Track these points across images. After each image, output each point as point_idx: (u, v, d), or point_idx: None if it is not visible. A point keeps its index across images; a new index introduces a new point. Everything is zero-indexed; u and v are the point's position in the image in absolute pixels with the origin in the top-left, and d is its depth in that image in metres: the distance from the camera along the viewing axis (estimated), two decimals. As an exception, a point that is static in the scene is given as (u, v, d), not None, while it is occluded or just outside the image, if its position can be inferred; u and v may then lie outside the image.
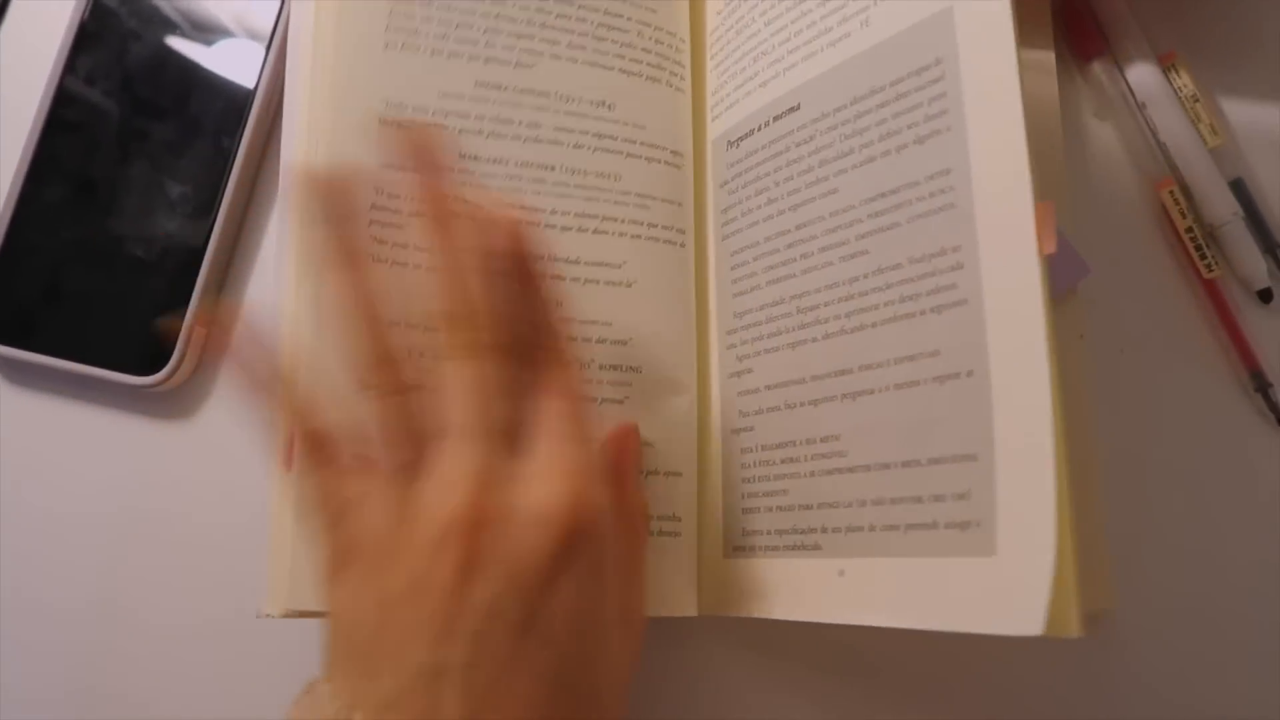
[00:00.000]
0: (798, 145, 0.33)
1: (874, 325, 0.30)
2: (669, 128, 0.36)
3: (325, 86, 0.33)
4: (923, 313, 0.29)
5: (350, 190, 0.29)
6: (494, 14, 0.34)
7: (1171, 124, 0.37)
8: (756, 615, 0.32)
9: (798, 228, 0.33)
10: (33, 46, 0.40)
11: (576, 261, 0.34)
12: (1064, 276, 0.36)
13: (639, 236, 0.35)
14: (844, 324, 0.31)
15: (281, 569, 0.31)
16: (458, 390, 0.27)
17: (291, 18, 0.35)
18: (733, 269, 0.35)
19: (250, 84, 0.39)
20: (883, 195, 0.30)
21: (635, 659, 0.29)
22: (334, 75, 0.33)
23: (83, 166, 0.39)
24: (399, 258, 0.32)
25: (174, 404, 0.39)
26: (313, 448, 0.28)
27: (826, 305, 0.32)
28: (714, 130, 0.36)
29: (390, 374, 0.28)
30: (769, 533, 0.32)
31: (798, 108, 0.33)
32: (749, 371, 0.34)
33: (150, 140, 0.39)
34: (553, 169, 0.34)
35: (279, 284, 0.33)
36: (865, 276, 0.31)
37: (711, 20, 0.37)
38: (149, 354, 0.37)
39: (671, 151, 0.36)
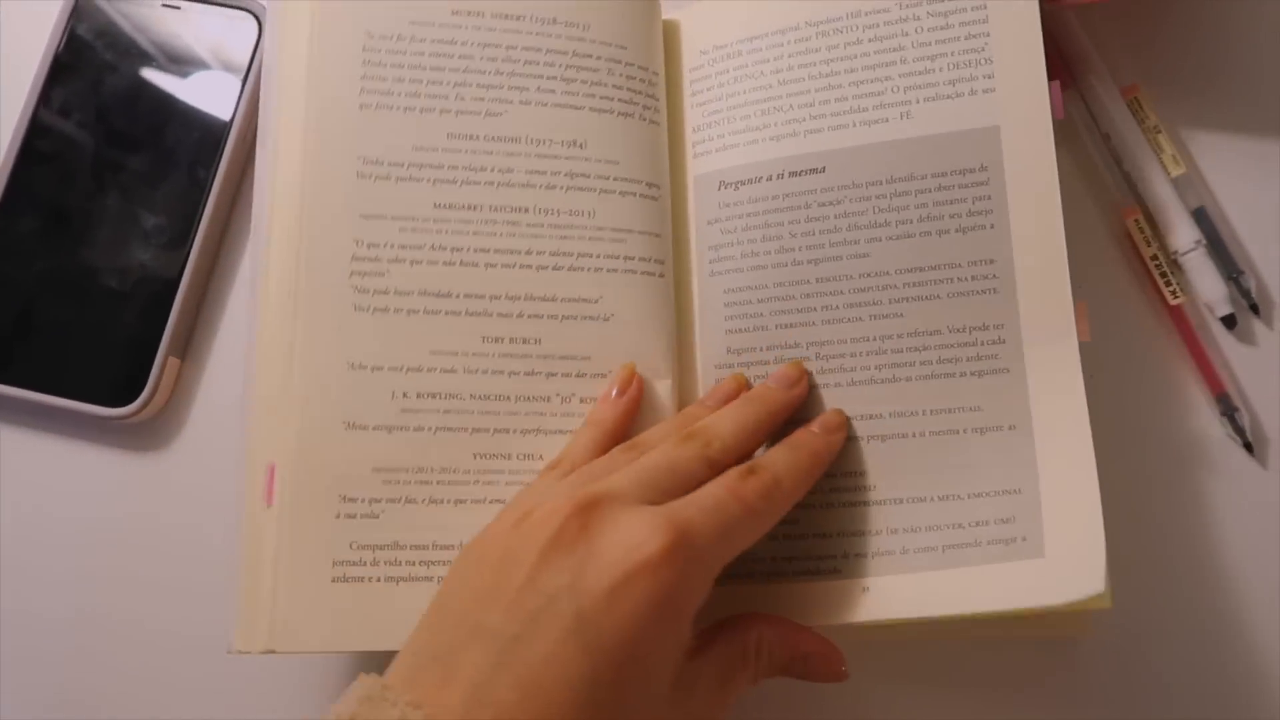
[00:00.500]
0: (821, 205, 0.34)
1: (909, 379, 0.33)
2: (644, 161, 0.36)
3: (303, 146, 0.34)
4: (963, 374, 0.32)
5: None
6: (462, 68, 0.36)
7: (1135, 154, 0.38)
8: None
9: (818, 280, 0.34)
10: (7, 78, 0.40)
11: (553, 299, 0.34)
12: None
13: (615, 270, 0.35)
14: (873, 375, 0.33)
15: (260, 606, 0.31)
16: (652, 457, 0.30)
17: (264, 76, 0.35)
18: (726, 305, 0.35)
19: (226, 115, 0.39)
20: (920, 269, 0.33)
21: None
22: (310, 134, 0.34)
23: (56, 198, 0.39)
24: (380, 304, 0.33)
25: (147, 436, 0.38)
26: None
27: (853, 356, 0.33)
28: (699, 166, 0.37)
29: (638, 450, 0.31)
30: (772, 559, 0.33)
31: (823, 170, 0.35)
32: None
33: (125, 171, 0.39)
34: (526, 211, 0.35)
35: (251, 317, 0.33)
36: (899, 336, 0.33)
37: (692, 58, 0.38)
38: (122, 385, 0.37)
39: (647, 184, 0.36)
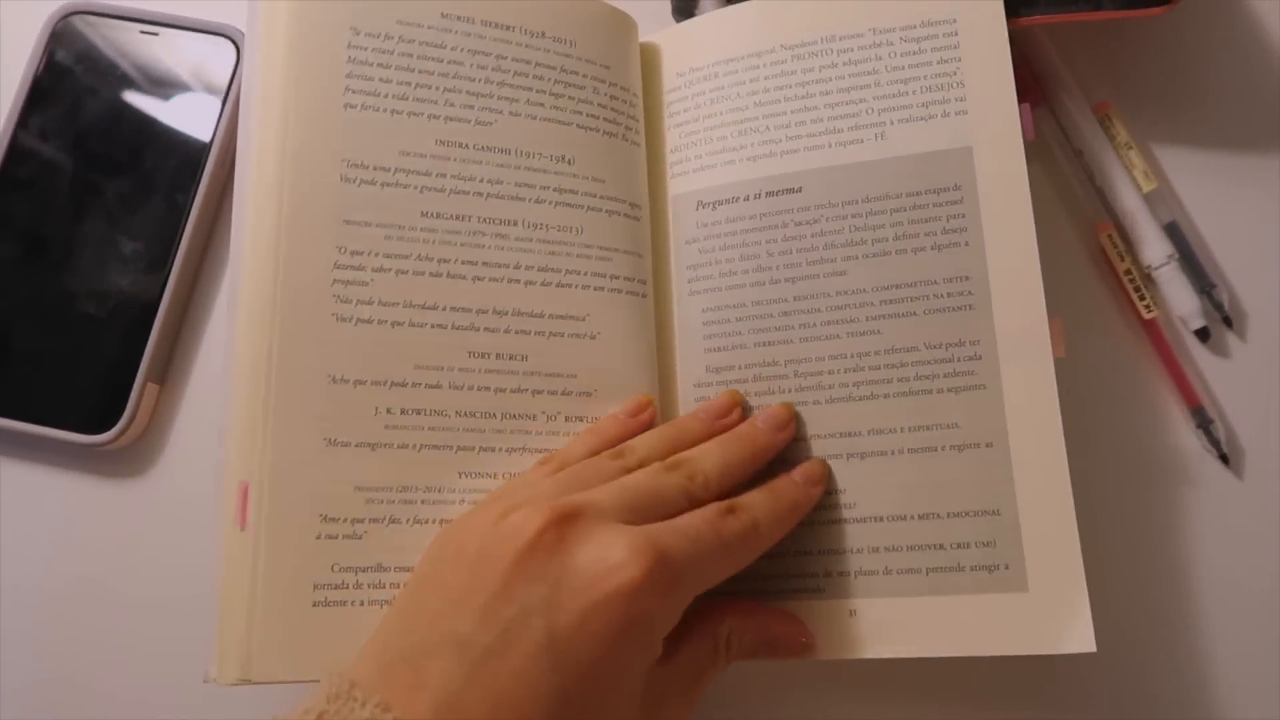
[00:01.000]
0: (798, 224, 0.35)
1: (886, 396, 0.33)
2: (627, 181, 0.37)
3: (283, 146, 0.33)
4: (940, 391, 0.32)
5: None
6: (452, 74, 0.35)
7: (1107, 170, 0.39)
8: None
9: (796, 299, 0.34)
10: (-15, 104, 0.40)
11: (541, 315, 0.34)
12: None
13: (602, 289, 0.35)
14: (851, 392, 0.33)
15: (235, 635, 0.30)
16: (635, 479, 0.30)
17: (244, 77, 0.35)
18: (705, 324, 0.35)
19: (205, 140, 0.39)
20: (897, 287, 0.33)
21: None
22: (292, 135, 0.33)
23: (35, 224, 0.39)
24: (363, 315, 0.33)
25: (126, 462, 0.38)
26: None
27: (831, 374, 0.34)
28: (677, 186, 0.37)
29: (624, 459, 0.31)
30: (754, 578, 0.33)
31: (799, 190, 0.35)
32: None
33: (104, 196, 0.39)
34: (515, 224, 0.35)
35: (229, 339, 0.33)
36: (877, 353, 0.33)
37: (670, 79, 0.38)
38: (100, 412, 0.37)
39: (630, 204, 0.36)
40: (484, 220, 0.34)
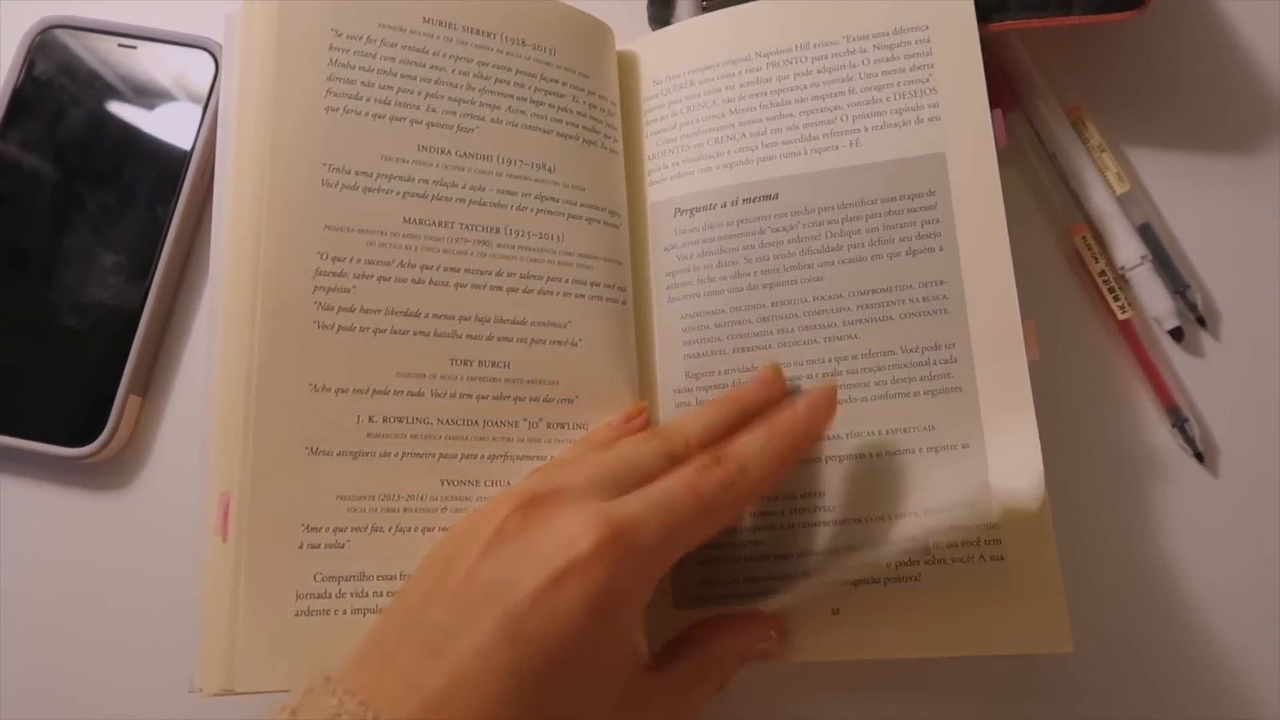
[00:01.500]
0: (775, 231, 0.35)
1: (864, 400, 0.33)
2: (606, 189, 0.37)
3: (263, 149, 0.33)
4: (916, 394, 0.33)
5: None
6: (434, 79, 0.35)
7: (1081, 173, 0.39)
8: None
9: (774, 304, 0.35)
10: (-37, 118, 0.40)
11: (523, 322, 0.34)
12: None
13: (583, 296, 0.35)
14: None
15: (218, 645, 0.30)
16: (613, 454, 0.30)
17: (224, 79, 0.34)
18: (685, 331, 0.36)
19: (185, 150, 0.40)
20: (873, 291, 0.34)
21: None
22: (272, 137, 0.33)
23: (15, 237, 0.39)
24: (345, 322, 0.32)
25: (108, 475, 0.38)
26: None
27: (809, 378, 0.34)
28: (655, 194, 0.37)
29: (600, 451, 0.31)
30: (733, 581, 0.33)
31: (775, 196, 0.35)
32: None
33: (84, 209, 0.39)
34: (497, 231, 0.35)
35: (210, 349, 0.33)
36: (854, 357, 0.34)
37: (648, 88, 0.38)
38: (82, 425, 0.37)
39: (610, 212, 0.37)
40: (466, 227, 0.34)
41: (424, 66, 0.35)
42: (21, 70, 0.40)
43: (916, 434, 0.33)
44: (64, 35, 0.41)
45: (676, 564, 0.34)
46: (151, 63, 0.41)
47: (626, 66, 0.39)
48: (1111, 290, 0.38)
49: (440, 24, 0.35)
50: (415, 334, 0.33)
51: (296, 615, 0.30)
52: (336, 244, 0.33)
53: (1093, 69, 0.41)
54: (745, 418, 0.31)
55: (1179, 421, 0.37)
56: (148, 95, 0.40)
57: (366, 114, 0.34)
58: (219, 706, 0.35)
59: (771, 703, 0.36)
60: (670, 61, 0.38)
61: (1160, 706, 0.35)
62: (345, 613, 0.31)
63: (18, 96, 0.40)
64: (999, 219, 0.33)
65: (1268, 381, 0.38)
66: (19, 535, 0.38)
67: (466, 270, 0.34)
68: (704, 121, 0.37)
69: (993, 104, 0.40)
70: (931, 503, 0.32)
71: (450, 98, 0.35)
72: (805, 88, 0.36)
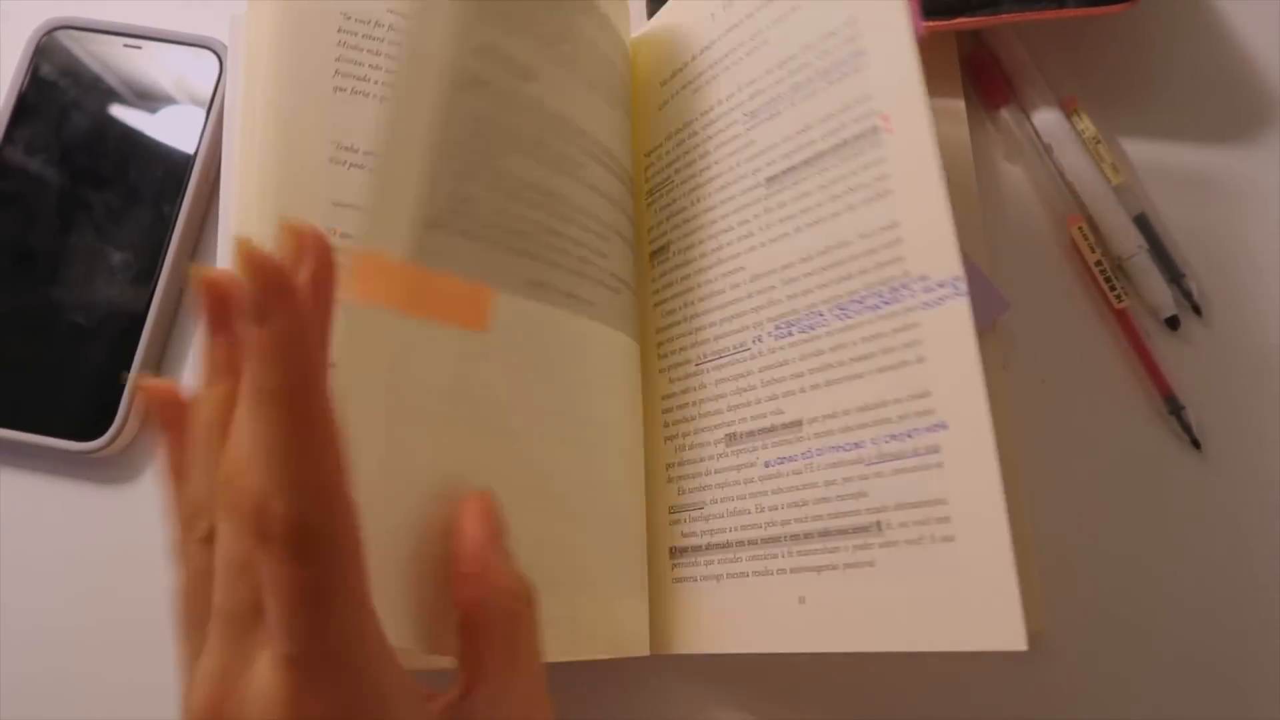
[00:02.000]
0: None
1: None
2: (619, 259, 0.36)
3: (272, 126, 0.33)
4: (872, 372, 0.30)
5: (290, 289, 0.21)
6: None
7: (1077, 164, 0.39)
8: (712, 651, 0.32)
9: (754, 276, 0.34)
10: (-30, 120, 0.41)
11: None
12: (986, 312, 0.37)
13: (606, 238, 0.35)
14: (803, 382, 0.32)
15: None
16: (219, 566, 0.21)
17: (231, 61, 0.35)
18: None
19: (190, 150, 0.40)
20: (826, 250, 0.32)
21: None
22: (281, 114, 0.33)
23: (22, 236, 0.39)
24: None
25: (116, 469, 0.39)
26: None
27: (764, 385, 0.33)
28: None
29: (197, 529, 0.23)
30: (732, 558, 0.33)
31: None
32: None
33: (90, 208, 0.40)
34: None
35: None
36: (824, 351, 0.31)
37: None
38: (91, 420, 0.37)
39: (616, 278, 0.36)
40: None
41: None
42: (27, 73, 0.41)
43: (874, 409, 0.30)
44: (68, 37, 0.41)
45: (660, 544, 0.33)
46: (155, 62, 0.41)
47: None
48: (1107, 280, 0.38)
49: None
50: None
51: None
52: (344, 222, 0.33)
53: (1087, 62, 0.41)
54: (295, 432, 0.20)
55: (1176, 409, 0.37)
56: (152, 94, 0.41)
57: (374, 96, 0.34)
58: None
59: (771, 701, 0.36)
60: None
61: (1154, 693, 0.35)
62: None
63: (24, 96, 0.40)
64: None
65: (1262, 370, 0.38)
66: (27, 529, 0.38)
67: None
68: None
69: (990, 98, 0.41)
70: (888, 490, 0.29)
71: None
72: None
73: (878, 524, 0.29)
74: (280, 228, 0.22)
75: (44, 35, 0.41)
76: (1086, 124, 0.40)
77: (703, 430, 0.34)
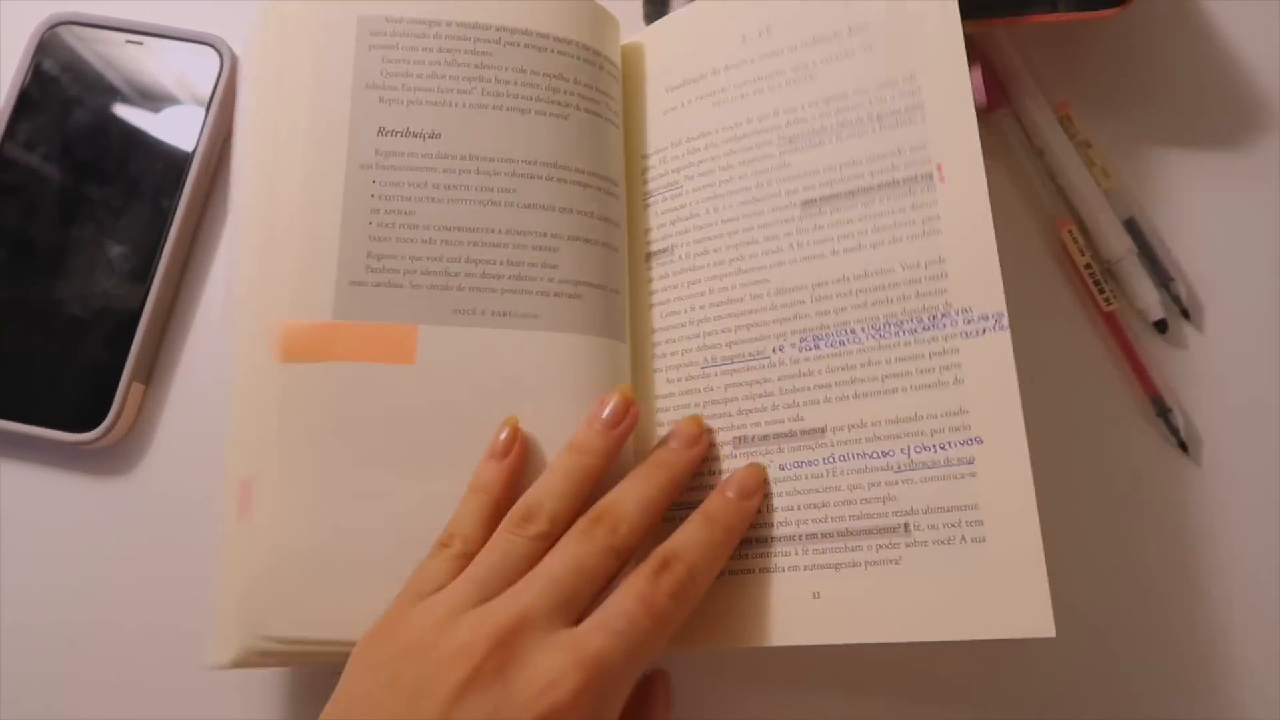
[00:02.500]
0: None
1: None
2: (613, 273, 0.37)
3: (307, 133, 0.35)
4: (906, 389, 0.33)
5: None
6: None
7: (1067, 168, 0.40)
8: (716, 646, 0.33)
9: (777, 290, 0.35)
10: (-28, 114, 0.41)
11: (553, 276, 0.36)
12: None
13: (592, 243, 0.36)
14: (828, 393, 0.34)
15: (229, 616, 0.32)
16: (559, 562, 0.29)
17: (248, 62, 0.36)
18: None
19: (189, 145, 0.40)
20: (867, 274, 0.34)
21: None
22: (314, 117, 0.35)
23: (21, 228, 0.40)
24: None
25: (112, 460, 0.39)
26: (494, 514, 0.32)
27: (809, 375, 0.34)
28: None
29: (533, 525, 0.31)
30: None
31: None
32: None
33: (90, 202, 0.40)
34: (492, 232, 0.36)
35: (227, 348, 0.35)
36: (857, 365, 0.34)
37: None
38: (86, 411, 0.38)
39: (612, 289, 0.37)
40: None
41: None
42: (29, 68, 0.41)
43: (906, 423, 0.33)
44: (70, 33, 0.42)
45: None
46: (157, 59, 0.42)
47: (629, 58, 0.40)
48: (1097, 282, 0.39)
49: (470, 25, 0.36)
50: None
51: (312, 580, 0.32)
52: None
53: (1079, 65, 0.41)
54: (675, 486, 0.33)
55: (1163, 412, 0.38)
56: (154, 90, 0.41)
57: (403, 101, 0.35)
58: (219, 690, 0.36)
59: (767, 698, 0.36)
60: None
61: (1141, 696, 0.36)
62: (362, 574, 0.32)
63: (26, 91, 0.41)
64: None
65: (1250, 373, 0.38)
66: (23, 518, 0.38)
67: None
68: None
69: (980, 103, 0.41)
70: (917, 492, 0.32)
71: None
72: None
73: (905, 525, 0.32)
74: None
75: (46, 31, 0.41)
76: (1078, 128, 0.40)
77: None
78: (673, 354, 0.36)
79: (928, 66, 0.34)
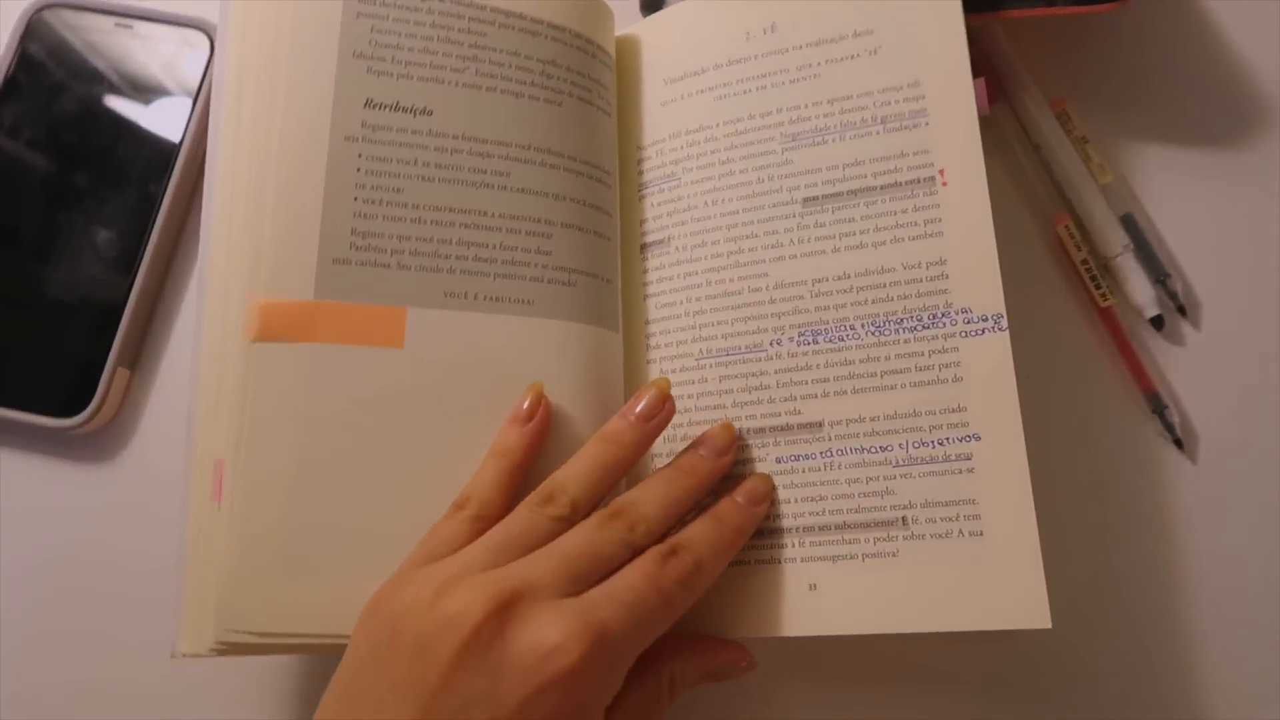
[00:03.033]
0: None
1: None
2: (607, 258, 0.37)
3: (283, 107, 0.33)
4: (905, 386, 0.33)
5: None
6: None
7: (1064, 164, 0.40)
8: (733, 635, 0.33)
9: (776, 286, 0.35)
10: (-43, 96, 0.40)
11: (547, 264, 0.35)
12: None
13: (584, 231, 0.36)
14: (827, 388, 0.34)
15: (203, 604, 0.31)
16: (573, 542, 0.29)
17: (222, 41, 0.34)
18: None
19: (177, 131, 0.40)
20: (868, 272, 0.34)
21: None
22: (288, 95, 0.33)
23: (7, 213, 0.39)
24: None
25: (96, 446, 0.38)
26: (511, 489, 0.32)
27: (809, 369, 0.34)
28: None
29: (553, 507, 0.30)
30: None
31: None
32: None
33: (77, 187, 0.39)
34: (487, 214, 0.35)
35: (196, 340, 0.33)
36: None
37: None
38: (71, 396, 0.37)
39: (605, 278, 0.37)
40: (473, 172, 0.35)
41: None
42: (15, 52, 0.40)
43: (905, 418, 0.33)
44: (58, 16, 0.41)
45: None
46: (146, 42, 0.41)
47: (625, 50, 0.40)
48: (1093, 278, 0.38)
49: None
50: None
51: (292, 563, 0.31)
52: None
53: (1076, 61, 0.41)
54: (699, 492, 0.32)
55: (1158, 408, 0.37)
56: (142, 76, 0.41)
57: (392, 74, 0.34)
58: (197, 674, 0.35)
59: (763, 696, 0.36)
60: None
61: (1135, 687, 0.35)
62: (342, 566, 0.31)
63: (12, 78, 0.40)
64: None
65: (1246, 370, 0.38)
66: (6, 503, 0.38)
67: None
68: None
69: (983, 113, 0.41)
70: (916, 484, 0.32)
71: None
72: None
73: (903, 519, 0.32)
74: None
75: (34, 14, 0.41)
76: (1075, 124, 0.40)
77: (698, 424, 0.34)
78: (667, 345, 0.36)
79: (932, 74, 0.35)
